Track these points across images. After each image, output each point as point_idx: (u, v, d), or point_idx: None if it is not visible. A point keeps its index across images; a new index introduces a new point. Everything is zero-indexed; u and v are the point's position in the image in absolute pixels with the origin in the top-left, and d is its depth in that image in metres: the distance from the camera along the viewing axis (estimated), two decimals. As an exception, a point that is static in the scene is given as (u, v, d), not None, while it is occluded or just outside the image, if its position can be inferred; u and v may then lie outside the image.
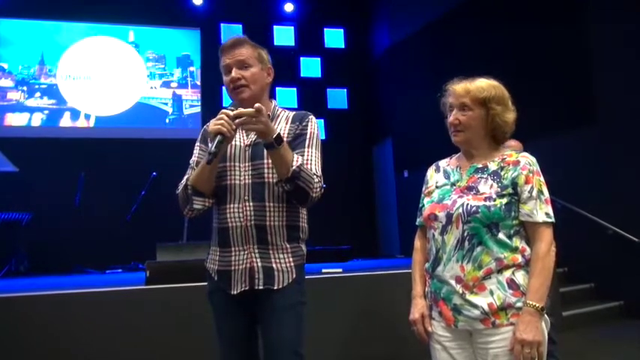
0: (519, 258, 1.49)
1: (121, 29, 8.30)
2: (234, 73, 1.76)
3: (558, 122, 5.57)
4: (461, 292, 1.49)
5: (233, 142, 1.77)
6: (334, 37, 9.33)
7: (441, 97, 1.69)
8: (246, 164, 1.75)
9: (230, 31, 8.70)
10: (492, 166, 1.57)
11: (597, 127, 5.35)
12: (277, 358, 1.71)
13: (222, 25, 8.68)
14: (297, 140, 1.79)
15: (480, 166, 1.59)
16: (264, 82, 1.84)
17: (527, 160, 1.55)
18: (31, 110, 7.79)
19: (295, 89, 8.78)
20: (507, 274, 1.48)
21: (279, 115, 1.86)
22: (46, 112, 7.85)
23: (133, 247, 6.00)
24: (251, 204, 1.73)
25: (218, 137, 1.58)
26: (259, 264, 1.72)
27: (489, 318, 1.46)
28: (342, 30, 9.34)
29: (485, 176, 1.56)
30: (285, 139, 1.70)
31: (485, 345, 1.48)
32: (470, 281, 1.48)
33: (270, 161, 1.71)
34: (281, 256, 1.75)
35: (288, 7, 8.92)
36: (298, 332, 1.75)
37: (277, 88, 8.64)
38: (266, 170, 1.74)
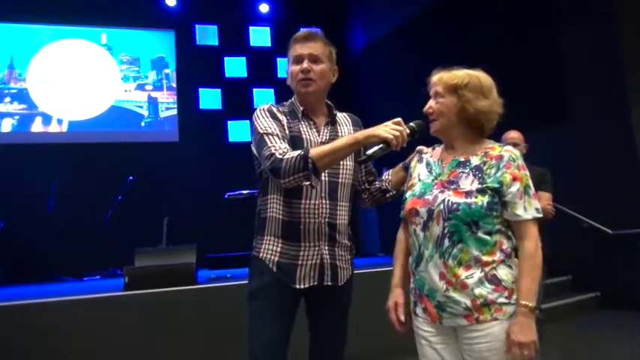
0: (498, 253, 1.48)
1: (93, 32, 8.13)
2: (306, 64, 1.79)
3: (533, 120, 5.66)
4: (444, 288, 1.47)
5: (308, 138, 1.78)
6: (310, 38, 9.32)
7: (424, 90, 1.69)
8: None
9: (205, 33, 8.62)
10: (475, 160, 1.54)
11: (572, 124, 5.47)
12: (338, 350, 1.83)
13: (196, 26, 8.59)
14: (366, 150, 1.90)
15: (462, 159, 1.57)
16: (328, 81, 1.88)
17: (511, 154, 1.51)
18: (1, 116, 7.57)
19: (272, 90, 8.75)
20: (488, 270, 1.46)
21: (336, 115, 1.92)
22: (17, 117, 7.64)
23: (111, 253, 5.89)
24: (327, 202, 1.76)
25: (382, 145, 1.58)
26: (328, 260, 1.76)
27: (472, 314, 1.45)
28: (317, 31, 9.34)
29: (467, 171, 1.53)
30: None
31: (470, 341, 1.47)
32: (452, 278, 1.46)
33: (346, 163, 1.79)
34: (342, 253, 1.82)
35: (264, 8, 8.88)
36: (348, 325, 1.88)
37: (254, 89, 8.61)
38: (341, 171, 1.79)
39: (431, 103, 1.61)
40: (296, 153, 1.63)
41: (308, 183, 1.68)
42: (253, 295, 1.77)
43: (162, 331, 3.33)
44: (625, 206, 4.99)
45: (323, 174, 1.74)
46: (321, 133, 1.84)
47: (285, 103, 1.91)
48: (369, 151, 1.60)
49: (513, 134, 3.37)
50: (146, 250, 3.98)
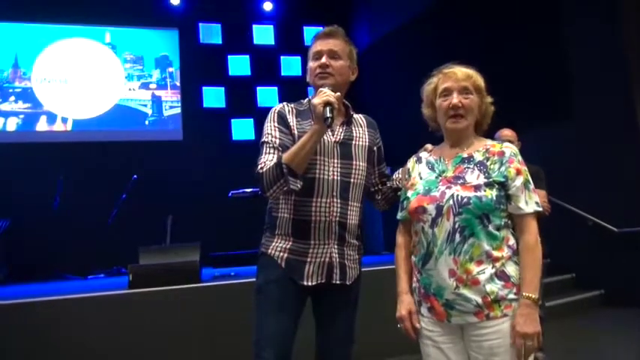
0: (505, 249, 1.49)
1: (97, 30, 8.15)
2: (325, 59, 1.82)
3: (538, 118, 5.65)
4: (454, 285, 1.47)
5: (322, 138, 1.78)
6: (314, 36, 9.30)
7: (425, 82, 1.68)
8: (336, 161, 1.79)
9: (209, 31, 8.62)
10: (478, 156, 1.57)
11: (576, 122, 5.46)
12: (345, 350, 1.83)
13: (200, 24, 8.59)
14: (380, 153, 1.97)
15: (465, 155, 1.58)
16: (347, 78, 1.89)
17: (512, 151, 1.55)
18: (6, 115, 7.61)
19: (276, 88, 8.75)
20: (499, 266, 1.47)
21: (352, 116, 1.93)
22: (22, 116, 7.68)
23: (115, 251, 5.90)
24: (338, 201, 1.77)
25: (328, 107, 1.63)
26: (337, 259, 1.77)
27: (483, 311, 1.45)
28: (321, 28, 9.23)
29: (471, 166, 1.55)
30: (366, 144, 1.87)
31: (480, 338, 1.47)
32: (463, 274, 1.46)
33: (358, 163, 1.82)
34: (351, 252, 1.83)
35: (267, 6, 8.86)
36: (355, 326, 1.88)
37: (258, 88, 8.61)
38: (354, 171, 1.81)
39: (460, 97, 1.56)
40: (272, 163, 1.68)
41: (288, 188, 1.68)
42: (261, 289, 1.79)
43: (166, 329, 3.35)
44: (630, 204, 4.97)
45: (334, 172, 1.77)
46: (336, 133, 1.83)
47: (302, 101, 1.93)
48: (327, 115, 1.63)
49: (507, 132, 3.41)
50: (150, 248, 3.99)
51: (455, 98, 1.56)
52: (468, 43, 6.41)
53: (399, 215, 1.69)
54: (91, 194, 6.75)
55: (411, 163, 1.73)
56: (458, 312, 1.47)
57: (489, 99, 1.61)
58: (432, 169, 1.63)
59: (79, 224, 6.64)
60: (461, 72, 1.59)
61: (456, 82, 1.58)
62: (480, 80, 1.60)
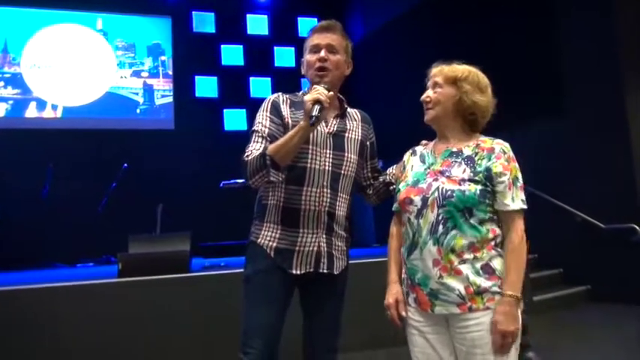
0: (491, 242, 1.51)
1: (89, 16, 8.05)
2: (324, 53, 1.84)
3: (529, 113, 5.68)
4: (438, 275, 1.49)
5: (316, 129, 1.80)
6: (308, 27, 9.19)
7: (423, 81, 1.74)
8: (328, 151, 1.81)
9: (202, 19, 8.55)
10: (467, 151, 1.59)
11: (566, 118, 5.49)
12: (332, 340, 1.86)
13: (193, 13, 8.51)
14: (373, 148, 2.01)
15: (454, 150, 1.61)
16: (342, 72, 1.92)
17: (502, 147, 1.56)
18: (-5, 100, 7.52)
19: (269, 79, 8.71)
20: (482, 259, 1.49)
21: (346, 110, 1.95)
22: (11, 102, 7.58)
23: (105, 240, 5.86)
24: (328, 191, 1.79)
25: (317, 105, 1.65)
26: (325, 249, 1.80)
27: (466, 303, 1.47)
28: (315, 19, 9.27)
29: (459, 160, 1.57)
30: (359, 137, 1.90)
31: (463, 329, 1.49)
32: (447, 263, 1.49)
33: (349, 156, 1.84)
34: (339, 243, 1.85)
35: (262, -4, 8.81)
36: (341, 317, 1.92)
37: (251, 78, 8.56)
38: (345, 163, 1.84)
39: (428, 92, 1.65)
40: (257, 153, 1.71)
41: (268, 179, 1.71)
42: (249, 279, 1.81)
43: (155, 317, 3.34)
44: (618, 201, 5.02)
45: (326, 162, 1.79)
46: (329, 124, 1.86)
47: (297, 93, 1.95)
48: (313, 113, 1.65)
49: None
50: (140, 237, 3.97)
51: (425, 94, 1.66)
52: (463, 36, 6.40)
53: (394, 207, 1.72)
54: (80, 182, 6.69)
55: (407, 156, 1.77)
56: (442, 302, 1.50)
57: (468, 87, 1.59)
58: (423, 161, 1.67)
59: (69, 212, 6.60)
60: (435, 69, 1.67)
61: (430, 79, 1.67)
62: (453, 72, 1.62)
